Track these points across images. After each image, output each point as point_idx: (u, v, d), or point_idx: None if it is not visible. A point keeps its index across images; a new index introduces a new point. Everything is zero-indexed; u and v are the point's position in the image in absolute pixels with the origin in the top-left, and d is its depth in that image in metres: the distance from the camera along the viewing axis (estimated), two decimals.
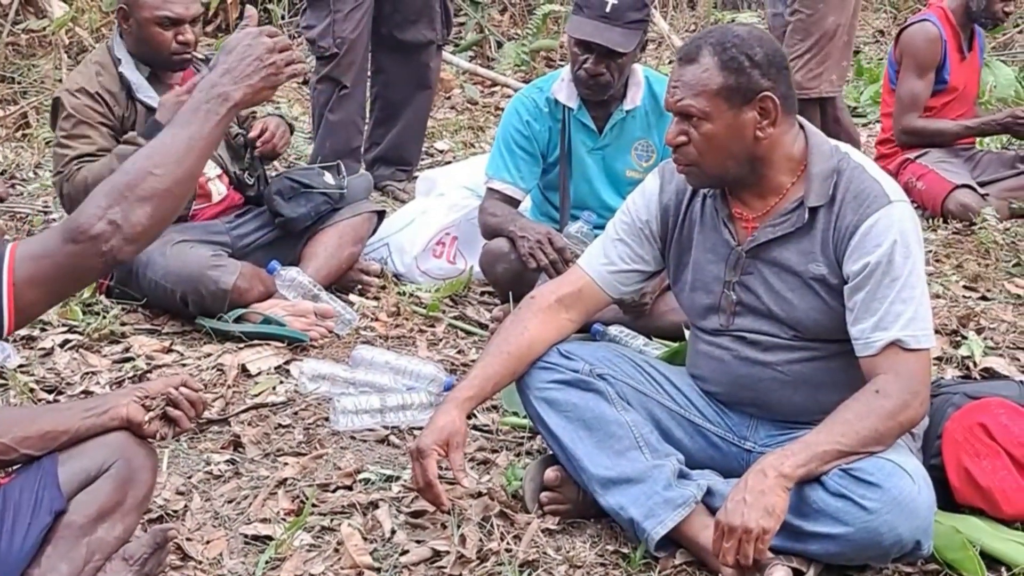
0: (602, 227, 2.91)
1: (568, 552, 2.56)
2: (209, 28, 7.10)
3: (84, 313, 3.72)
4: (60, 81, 5.97)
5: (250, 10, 2.30)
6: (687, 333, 2.92)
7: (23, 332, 3.60)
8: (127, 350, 3.57)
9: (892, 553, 2.36)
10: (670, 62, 6.96)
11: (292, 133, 4.15)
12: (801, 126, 2.58)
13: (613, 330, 3.54)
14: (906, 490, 2.31)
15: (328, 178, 4.12)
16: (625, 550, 2.58)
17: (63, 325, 3.66)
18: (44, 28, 6.24)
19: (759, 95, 2.46)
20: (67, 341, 3.58)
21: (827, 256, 2.50)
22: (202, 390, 2.49)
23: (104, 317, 3.69)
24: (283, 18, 7.36)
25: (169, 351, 3.58)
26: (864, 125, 6.54)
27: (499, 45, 7.44)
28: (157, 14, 3.78)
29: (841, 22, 4.99)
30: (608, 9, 3.63)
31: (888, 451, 2.38)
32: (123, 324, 3.71)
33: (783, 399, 2.61)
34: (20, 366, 3.41)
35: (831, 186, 2.50)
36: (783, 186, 2.56)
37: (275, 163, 5.23)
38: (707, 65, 2.47)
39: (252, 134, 3.97)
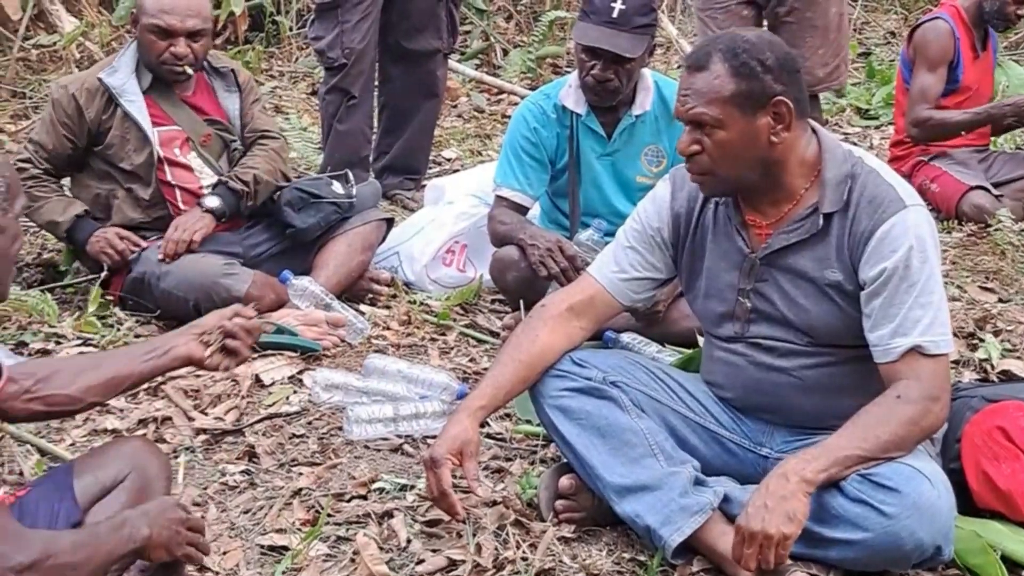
0: (613, 234, 2.90)
1: (584, 560, 2.56)
2: (218, 40, 7.10)
3: (101, 324, 3.73)
4: None
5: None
6: (701, 340, 2.91)
7: (38, 345, 3.61)
8: None
9: (913, 558, 2.35)
10: (679, 67, 6.95)
11: (243, 198, 3.96)
12: (813, 130, 2.57)
13: (626, 337, 3.53)
14: (926, 495, 2.31)
15: (337, 187, 4.13)
16: (642, 558, 2.57)
17: (78, 338, 3.66)
18: (55, 43, 6.25)
19: (772, 100, 2.45)
20: (81, 354, 3.58)
21: (842, 262, 2.49)
22: (255, 315, 2.51)
23: (118, 329, 3.70)
24: (291, 30, 7.36)
25: None
26: (877, 127, 6.52)
27: (505, 53, 7.43)
28: (151, 22, 3.82)
29: (842, 11, 4.99)
30: (615, 14, 3.62)
31: (907, 456, 2.38)
32: (137, 336, 3.71)
33: (799, 405, 2.60)
34: None
35: (845, 191, 2.49)
36: (797, 192, 2.55)
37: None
38: (718, 72, 2.46)
39: (162, 252, 3.80)
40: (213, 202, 3.91)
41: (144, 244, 3.87)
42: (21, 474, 2.90)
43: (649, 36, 3.70)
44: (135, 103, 3.88)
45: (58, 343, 3.64)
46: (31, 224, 4.37)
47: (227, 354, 2.43)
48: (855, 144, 4.56)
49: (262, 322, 2.51)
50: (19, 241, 2.12)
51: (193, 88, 4.00)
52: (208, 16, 3.95)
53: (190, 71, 3.91)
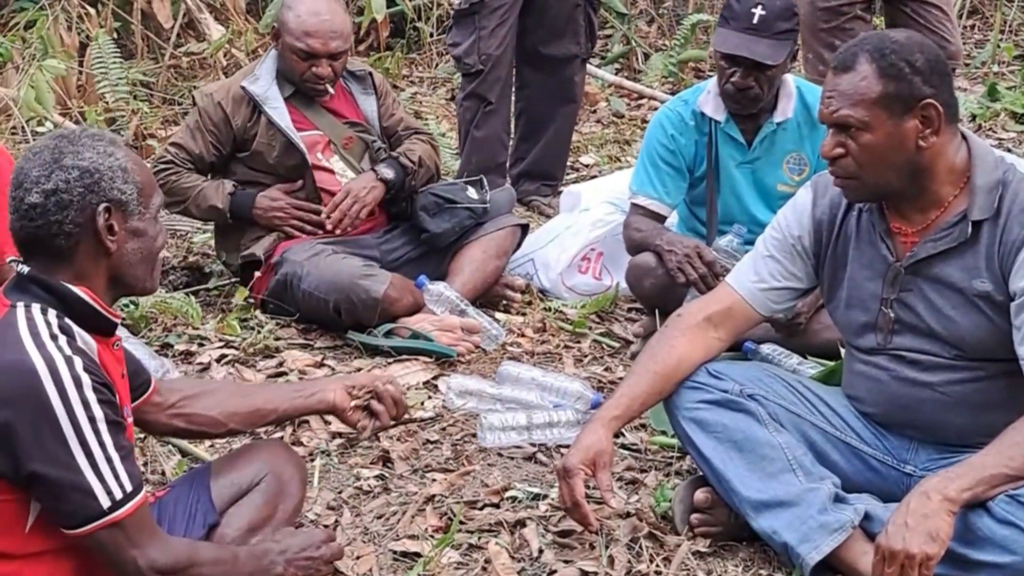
0: (752, 243, 2.84)
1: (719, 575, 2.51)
2: (361, 47, 7.21)
3: (242, 327, 3.81)
4: None
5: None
6: (843, 351, 2.83)
7: (182, 347, 3.71)
8: (281, 364, 3.63)
9: None
10: None
11: (408, 176, 4.04)
12: (963, 136, 2.49)
13: (765, 348, 3.46)
14: None
15: (472, 193, 4.14)
16: (779, 575, 2.51)
17: (220, 340, 3.75)
18: (203, 51, 6.43)
19: (921, 103, 2.37)
20: (223, 356, 3.66)
21: (992, 272, 2.40)
22: (405, 394, 2.60)
23: (259, 332, 3.77)
24: (431, 36, 7.42)
25: (321, 365, 3.63)
26: None
27: (646, 57, 7.37)
28: (295, 44, 3.89)
29: None
30: (755, 20, 3.54)
31: None
32: (277, 339, 3.77)
33: (945, 421, 2.51)
34: None
35: (996, 199, 2.40)
36: (945, 199, 2.46)
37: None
38: (865, 73, 2.39)
39: (326, 213, 3.93)
40: (388, 173, 3.98)
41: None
42: (163, 474, 2.97)
43: (791, 42, 3.61)
44: (278, 109, 3.96)
45: (201, 345, 3.73)
46: (178, 227, 4.49)
47: (369, 415, 2.50)
48: (1010, 150, 4.41)
49: (411, 406, 2.58)
50: (161, 238, 2.17)
51: (330, 96, 4.05)
52: (348, 35, 4.02)
53: (331, 88, 3.98)
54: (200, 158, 4.01)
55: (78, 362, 1.97)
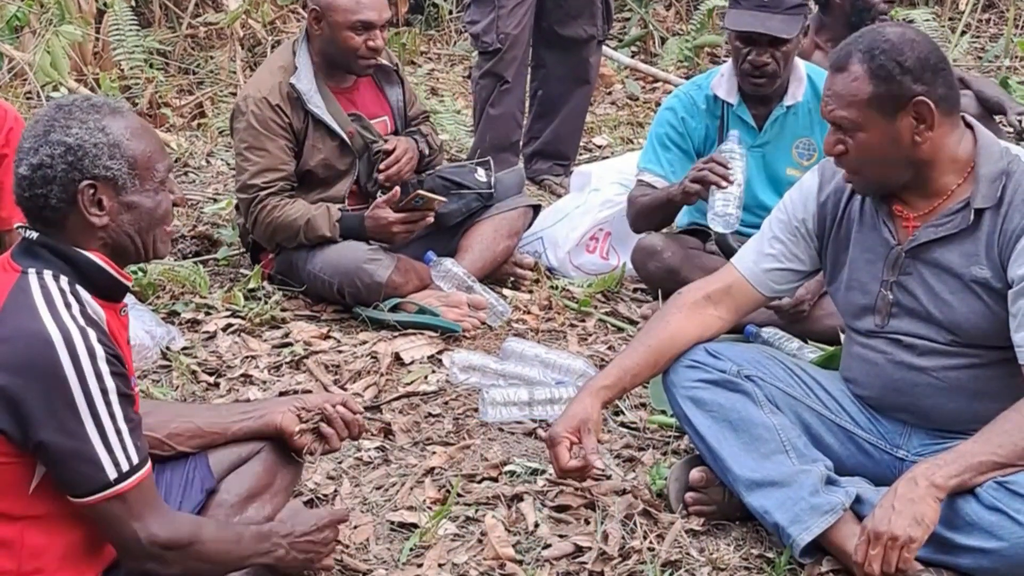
0: (758, 227, 2.86)
1: (711, 554, 2.54)
2: None
3: (247, 299, 3.83)
4: (234, 73, 6.14)
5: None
6: (842, 336, 2.85)
7: (188, 315, 3.73)
8: (286, 335, 3.65)
9: None
10: None
11: (427, 155, 4.10)
12: (969, 126, 2.50)
13: (767, 332, 3.47)
14: None
15: (480, 174, 4.12)
16: (770, 555, 2.54)
17: (227, 310, 3.77)
18: (221, 21, 6.43)
19: (912, 101, 2.39)
20: (229, 325, 3.69)
21: (991, 259, 2.42)
22: (362, 413, 2.52)
23: (266, 303, 3.80)
24: (450, 13, 7.42)
25: (327, 337, 3.66)
26: None
27: (663, 41, 7.37)
28: (352, 19, 3.79)
29: None
30: None
31: None
32: (283, 310, 3.80)
33: (938, 407, 2.53)
34: (184, 348, 3.53)
35: (999, 188, 2.42)
36: (948, 187, 2.48)
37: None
38: (856, 74, 2.41)
39: (385, 164, 3.91)
40: (424, 148, 4.05)
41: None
42: None
43: (802, 16, 3.64)
44: (321, 107, 3.85)
45: (208, 314, 3.75)
46: (189, 196, 4.50)
47: (318, 437, 2.43)
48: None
49: (364, 421, 2.53)
50: (163, 206, 2.12)
51: (353, 83, 4.01)
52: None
53: (376, 61, 3.92)
54: (284, 163, 3.82)
55: (92, 333, 1.97)
